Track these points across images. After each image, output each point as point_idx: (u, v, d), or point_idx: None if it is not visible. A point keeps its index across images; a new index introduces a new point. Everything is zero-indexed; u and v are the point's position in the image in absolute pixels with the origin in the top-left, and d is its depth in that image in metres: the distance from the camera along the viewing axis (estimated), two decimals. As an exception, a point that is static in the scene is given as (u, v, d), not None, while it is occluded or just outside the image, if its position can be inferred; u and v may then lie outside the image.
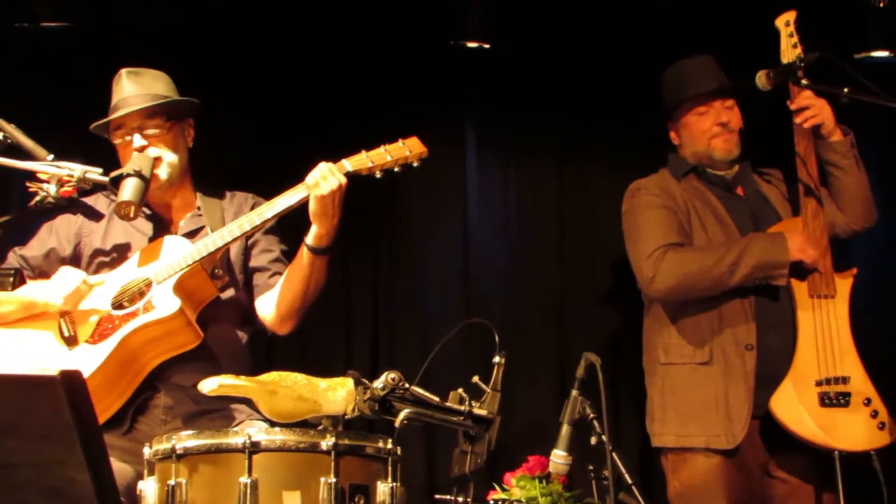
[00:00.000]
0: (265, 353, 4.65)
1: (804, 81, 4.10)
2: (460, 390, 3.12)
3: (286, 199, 3.58)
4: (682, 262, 4.16)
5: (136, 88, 3.77)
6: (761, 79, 4.08)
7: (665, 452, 4.28)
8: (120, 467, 3.34)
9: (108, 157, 3.81)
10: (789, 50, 4.24)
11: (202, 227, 3.78)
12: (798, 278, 4.11)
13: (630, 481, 3.28)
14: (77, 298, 3.59)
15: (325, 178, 3.50)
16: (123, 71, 3.82)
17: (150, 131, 3.75)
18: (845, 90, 3.93)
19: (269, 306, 3.75)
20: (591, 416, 3.36)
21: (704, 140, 4.37)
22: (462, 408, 3.08)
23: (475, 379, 3.20)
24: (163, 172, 3.73)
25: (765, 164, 4.50)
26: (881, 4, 5.42)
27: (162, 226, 3.81)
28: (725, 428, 4.07)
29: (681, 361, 4.23)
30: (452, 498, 3.19)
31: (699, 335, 4.20)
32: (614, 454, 3.26)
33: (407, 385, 2.98)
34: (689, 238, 4.27)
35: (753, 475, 4.13)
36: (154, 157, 3.70)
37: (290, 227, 3.82)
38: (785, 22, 4.30)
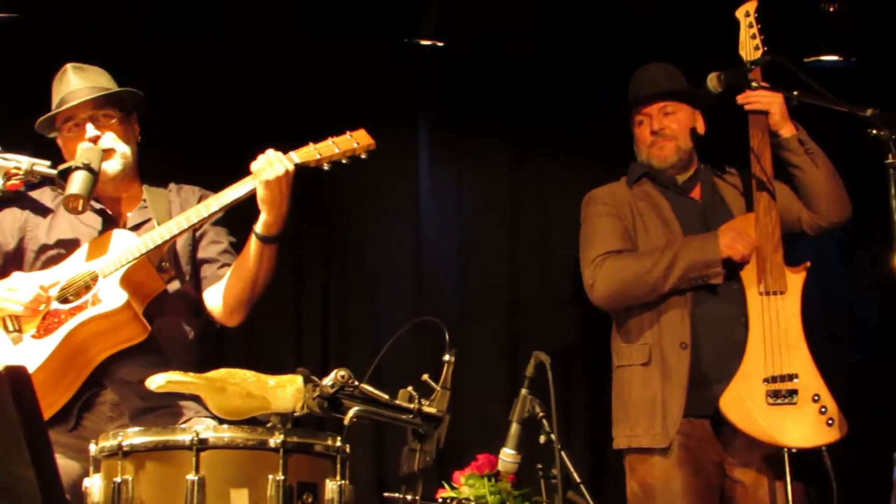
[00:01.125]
0: (214, 350, 4.64)
1: (754, 84, 4.13)
2: (410, 388, 3.12)
3: (233, 192, 3.56)
4: (618, 269, 4.22)
5: (82, 82, 3.73)
6: (712, 81, 4.09)
7: (624, 454, 4.30)
8: (65, 464, 3.30)
9: (57, 151, 3.77)
10: (747, 41, 4.27)
11: (148, 220, 3.75)
12: (748, 276, 4.12)
13: (578, 480, 3.29)
14: (37, 304, 3.53)
15: (271, 164, 3.48)
16: (69, 65, 3.78)
17: (103, 121, 3.72)
18: (795, 93, 3.96)
19: (217, 297, 3.73)
20: (541, 414, 3.37)
21: (644, 149, 4.41)
22: (411, 406, 3.08)
23: (425, 377, 3.20)
24: (116, 164, 3.69)
25: (727, 164, 4.51)
26: (831, 9, 5.47)
27: (109, 219, 3.77)
28: (661, 427, 4.10)
29: (627, 363, 4.27)
30: (401, 496, 3.19)
31: (641, 337, 4.24)
32: (563, 453, 3.27)
33: (356, 383, 2.97)
34: (634, 244, 4.30)
35: (710, 474, 4.13)
36: (105, 148, 3.66)
37: (240, 218, 3.80)
38: (745, 13, 4.33)
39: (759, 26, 4.29)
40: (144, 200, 3.81)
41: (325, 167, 3.59)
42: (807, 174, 4.23)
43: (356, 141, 3.60)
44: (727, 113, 4.31)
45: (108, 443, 2.80)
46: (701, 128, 4.44)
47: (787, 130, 4.22)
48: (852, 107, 3.72)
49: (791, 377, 4.00)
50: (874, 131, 3.62)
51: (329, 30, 5.35)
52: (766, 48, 4.25)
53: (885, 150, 3.59)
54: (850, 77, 5.45)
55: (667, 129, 4.36)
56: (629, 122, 4.49)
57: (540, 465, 3.57)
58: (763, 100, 4.19)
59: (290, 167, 3.50)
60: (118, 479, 2.75)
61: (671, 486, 4.09)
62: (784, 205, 4.26)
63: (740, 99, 4.22)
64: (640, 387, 4.19)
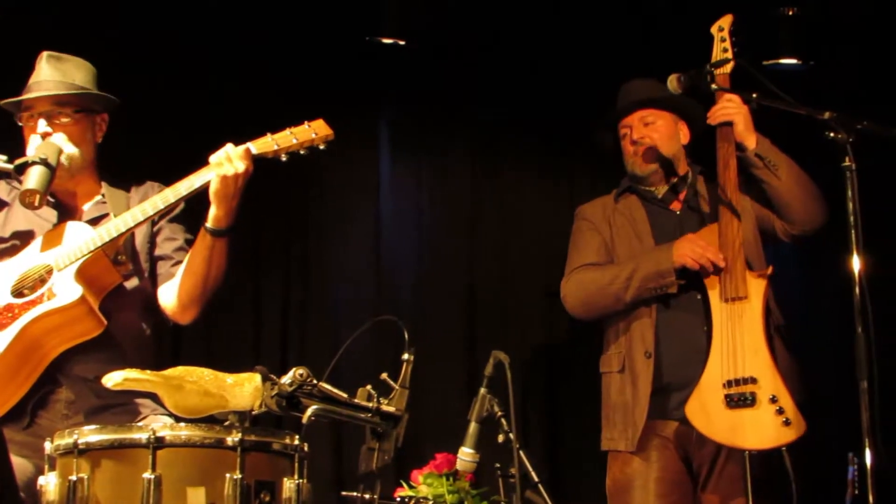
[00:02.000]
0: (171, 346, 4.61)
1: (714, 86, 4.16)
2: (369, 387, 3.11)
3: (191, 182, 3.52)
4: (583, 281, 4.41)
5: (53, 74, 3.69)
6: (672, 83, 4.11)
7: (606, 452, 4.44)
8: (19, 462, 3.27)
9: (14, 143, 3.73)
10: (720, 55, 4.33)
11: (106, 215, 3.71)
12: (711, 283, 4.19)
13: (536, 479, 3.30)
14: None
15: (229, 160, 3.46)
16: (45, 53, 3.74)
17: (57, 120, 3.68)
18: (754, 95, 3.99)
19: (170, 295, 3.70)
20: (499, 414, 3.37)
21: (629, 160, 4.50)
22: (370, 404, 3.07)
23: (384, 376, 3.19)
24: (64, 159, 3.65)
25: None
26: (790, 13, 5.51)
27: (66, 213, 3.74)
28: (632, 431, 4.24)
29: (608, 370, 4.43)
30: (359, 495, 3.18)
31: (617, 345, 4.39)
32: (521, 452, 3.27)
33: (315, 381, 2.97)
34: (613, 256, 4.45)
35: (680, 471, 4.27)
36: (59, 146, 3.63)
37: (198, 215, 3.77)
38: (719, 27, 4.42)
39: (732, 40, 4.37)
40: (103, 195, 3.78)
41: (284, 158, 3.57)
42: (771, 186, 4.31)
43: (314, 131, 3.58)
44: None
45: (64, 441, 2.78)
46: (685, 137, 4.53)
47: (749, 143, 4.29)
48: (810, 110, 3.74)
49: (749, 380, 4.05)
50: (832, 134, 3.65)
51: (291, 27, 5.33)
52: (736, 62, 4.31)
53: (843, 153, 3.62)
54: (808, 80, 5.49)
55: (646, 139, 4.45)
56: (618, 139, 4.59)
57: (498, 465, 3.57)
58: (727, 112, 4.26)
59: (249, 166, 3.48)
60: (73, 478, 2.73)
61: (643, 479, 4.24)
62: (760, 213, 4.39)
63: (708, 116, 4.33)
64: (616, 393, 4.36)
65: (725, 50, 4.34)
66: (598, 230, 4.48)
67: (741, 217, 4.25)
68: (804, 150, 4.34)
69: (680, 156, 4.50)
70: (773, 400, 4.03)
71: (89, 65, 3.79)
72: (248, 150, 3.50)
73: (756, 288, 4.18)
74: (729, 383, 4.07)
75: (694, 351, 4.17)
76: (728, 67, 4.32)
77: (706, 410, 4.06)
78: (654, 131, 4.46)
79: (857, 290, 3.51)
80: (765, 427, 4.03)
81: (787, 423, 4.02)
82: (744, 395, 4.04)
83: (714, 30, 4.41)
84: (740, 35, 4.37)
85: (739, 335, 4.11)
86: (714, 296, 4.18)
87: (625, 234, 4.43)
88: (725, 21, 4.41)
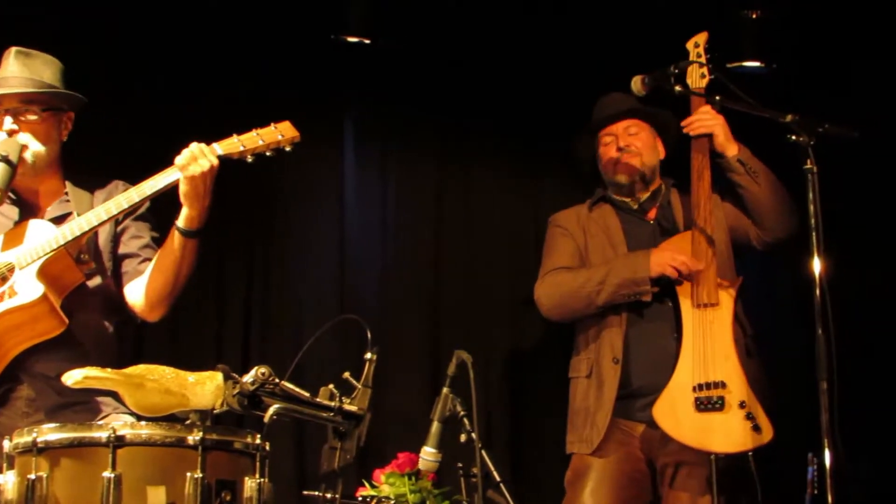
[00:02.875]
0: (133, 345, 4.58)
1: (677, 88, 4.18)
2: (331, 386, 3.11)
3: (156, 182, 3.51)
4: (557, 284, 4.45)
5: (20, 70, 3.66)
6: (636, 84, 4.14)
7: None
8: (-22, 460, 3.24)
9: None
10: (694, 70, 4.38)
11: (69, 213, 3.69)
12: (682, 289, 4.25)
13: (498, 479, 3.31)
14: None
15: (195, 159, 3.45)
16: (13, 49, 3.70)
17: (24, 117, 3.65)
18: (717, 98, 4.03)
19: (138, 293, 3.68)
20: (462, 413, 3.37)
21: (611, 167, 4.54)
22: (332, 404, 3.07)
23: (346, 375, 3.19)
24: (27, 156, 3.63)
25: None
26: (753, 16, 5.54)
27: (28, 211, 3.71)
28: (589, 435, 4.30)
29: (576, 375, 4.48)
30: (321, 494, 3.18)
31: (586, 351, 4.44)
32: (483, 452, 3.28)
33: (277, 380, 2.96)
34: (584, 262, 4.49)
35: (640, 470, 4.31)
36: (21, 143, 3.60)
37: (163, 212, 3.76)
38: (694, 44, 4.48)
39: (707, 56, 4.42)
40: (66, 194, 3.76)
41: (249, 159, 3.57)
42: (750, 192, 4.36)
43: (281, 133, 3.57)
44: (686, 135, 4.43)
45: (23, 439, 2.77)
46: (661, 152, 4.60)
47: (730, 151, 4.35)
48: (773, 112, 3.78)
49: (719, 384, 4.10)
50: (794, 137, 3.69)
51: (255, 25, 5.31)
52: (711, 77, 4.36)
53: (804, 155, 3.65)
54: (771, 83, 5.53)
55: (632, 146, 4.51)
56: (592, 148, 4.63)
57: (460, 464, 3.58)
58: (706, 123, 4.33)
59: (215, 162, 3.48)
60: (32, 476, 2.71)
61: (599, 472, 4.28)
62: (735, 221, 4.45)
63: (684, 124, 4.39)
64: (580, 397, 4.41)
65: (701, 65, 4.39)
66: (572, 236, 4.53)
67: (714, 227, 4.30)
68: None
69: (656, 169, 4.57)
70: (742, 405, 4.08)
71: (57, 62, 3.76)
72: (212, 150, 3.50)
73: (727, 297, 4.25)
74: (699, 387, 4.11)
75: (663, 358, 4.22)
76: (706, 80, 4.38)
77: (675, 413, 4.11)
78: (638, 141, 4.53)
79: (818, 291, 3.54)
80: (733, 431, 4.08)
81: (756, 428, 4.07)
82: (713, 399, 4.08)
83: (690, 46, 4.47)
84: (715, 51, 4.42)
85: (710, 341, 4.17)
86: (685, 301, 4.24)
87: (599, 242, 4.48)
88: (701, 38, 4.48)
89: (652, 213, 4.54)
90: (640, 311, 4.32)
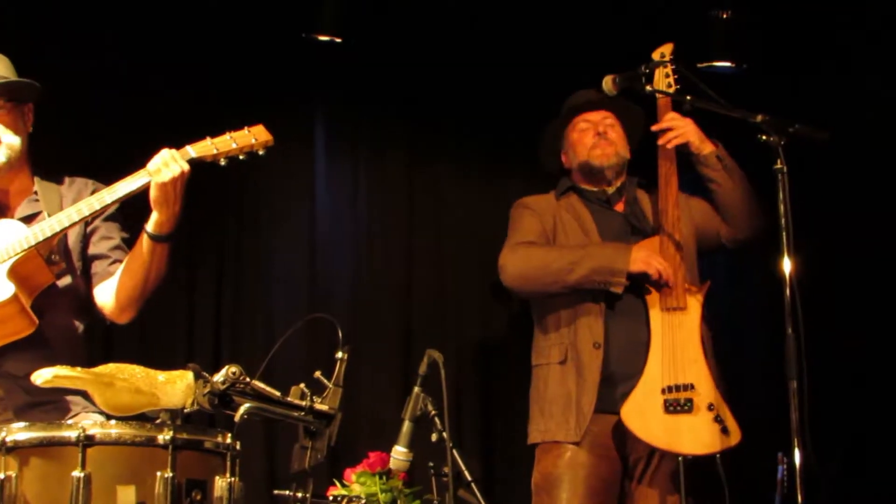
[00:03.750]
0: (103, 344, 4.56)
1: (648, 88, 4.22)
2: (302, 385, 3.10)
3: (127, 185, 3.49)
4: (528, 255, 4.41)
5: None
6: (608, 84, 4.17)
7: (535, 449, 4.41)
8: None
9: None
10: (661, 80, 4.42)
11: (39, 213, 3.67)
12: (650, 293, 4.26)
13: (469, 478, 3.31)
14: None
15: (166, 165, 3.44)
16: None
17: None
18: (688, 98, 4.04)
19: (108, 295, 3.66)
20: (433, 413, 3.37)
21: (585, 151, 4.52)
22: (303, 403, 3.06)
23: (317, 374, 3.19)
24: (1, 155, 3.61)
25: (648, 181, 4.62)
26: (724, 16, 5.57)
27: (-2, 210, 3.70)
28: (575, 422, 4.24)
29: (545, 362, 4.41)
30: (291, 493, 3.18)
31: (559, 336, 4.38)
32: (454, 451, 3.28)
33: (248, 379, 2.96)
34: (551, 243, 4.47)
35: (612, 468, 4.29)
36: None
37: (133, 213, 3.74)
38: (661, 54, 4.50)
39: (672, 67, 4.43)
40: (35, 193, 3.73)
41: (222, 162, 3.56)
42: (724, 189, 4.39)
43: (254, 137, 3.57)
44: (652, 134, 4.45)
45: (-8, 438, 2.75)
46: (629, 151, 4.60)
47: (706, 148, 4.37)
48: (744, 113, 3.81)
49: (688, 387, 4.12)
50: (764, 137, 3.71)
51: (225, 24, 5.30)
52: (678, 87, 4.39)
53: (775, 155, 3.68)
54: (741, 83, 5.55)
55: (609, 135, 4.52)
56: (559, 138, 4.64)
57: (431, 464, 3.58)
58: (680, 132, 4.35)
59: (186, 168, 3.46)
60: (1, 476, 2.69)
61: (571, 474, 4.23)
62: (704, 221, 4.47)
63: (660, 141, 4.39)
64: (555, 384, 4.33)
65: (667, 75, 4.43)
66: (541, 219, 4.51)
67: (681, 231, 4.33)
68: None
69: (625, 164, 4.57)
70: (711, 408, 4.11)
71: (4, 56, 3.73)
72: (185, 153, 3.48)
73: (695, 301, 4.27)
74: (668, 389, 4.13)
75: (639, 343, 4.23)
76: (671, 79, 4.41)
77: (644, 415, 4.11)
78: (614, 132, 4.54)
79: (788, 291, 3.56)
80: (702, 433, 4.10)
81: (724, 430, 4.10)
82: (682, 401, 4.10)
83: (656, 56, 4.49)
84: (680, 62, 4.44)
85: (679, 344, 4.18)
86: (653, 304, 4.26)
87: (571, 229, 4.47)
88: (667, 49, 4.50)
89: (620, 207, 4.54)
90: (614, 303, 4.30)
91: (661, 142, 4.38)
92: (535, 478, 4.37)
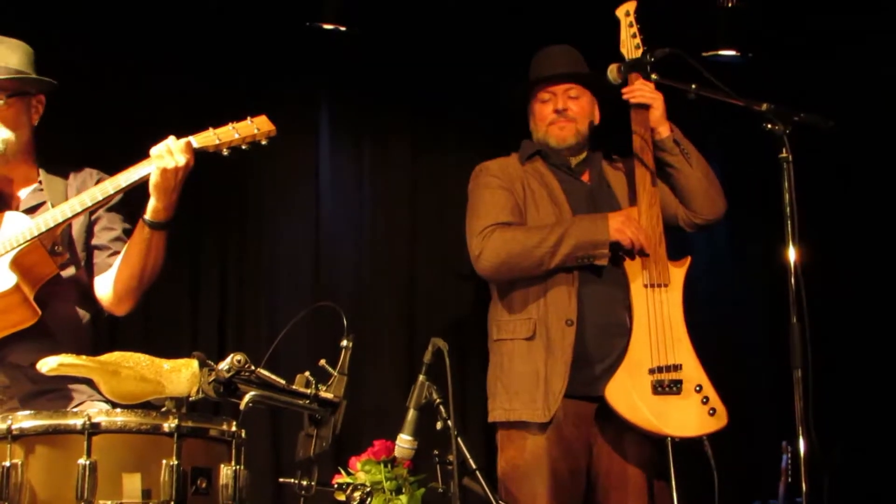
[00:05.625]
0: (108, 333, 4.57)
1: (654, 76, 4.20)
2: (307, 373, 3.10)
3: (130, 174, 3.49)
4: (506, 241, 4.22)
5: None
6: (612, 72, 4.17)
7: (497, 429, 4.32)
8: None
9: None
10: (628, 40, 4.37)
11: (43, 203, 3.67)
12: (632, 268, 4.18)
13: (474, 466, 3.30)
14: None
15: (170, 153, 3.43)
16: None
17: None
18: (693, 86, 4.02)
19: (106, 286, 3.66)
20: (438, 401, 3.37)
21: (543, 126, 4.42)
22: (308, 391, 3.06)
23: (322, 362, 3.18)
24: None
25: (615, 154, 4.56)
26: (729, 4, 5.56)
27: (2, 200, 3.69)
28: (543, 402, 4.11)
29: (510, 337, 4.27)
30: (297, 481, 3.17)
31: (526, 311, 4.24)
32: (459, 439, 3.28)
33: (253, 367, 2.96)
34: (523, 218, 4.32)
35: (579, 457, 4.18)
36: None
37: (136, 205, 3.74)
38: (625, 12, 4.42)
39: (638, 26, 4.38)
40: (40, 182, 3.73)
41: (225, 153, 3.55)
42: (682, 173, 4.32)
43: (257, 127, 3.56)
44: (623, 104, 4.36)
45: (-3, 426, 2.75)
46: (597, 118, 4.49)
47: (664, 130, 4.31)
48: (748, 101, 3.79)
49: (676, 367, 4.08)
50: (769, 126, 3.70)
51: (231, 12, 5.30)
52: (645, 47, 4.33)
53: (780, 144, 3.67)
54: (746, 71, 5.55)
55: (570, 111, 4.39)
56: (527, 100, 4.51)
57: (436, 452, 3.57)
58: (647, 94, 4.27)
59: (190, 160, 3.45)
60: (7, 464, 2.70)
61: (539, 467, 4.13)
62: (663, 202, 4.33)
63: (625, 92, 4.30)
64: (521, 360, 4.20)
65: (634, 35, 4.35)
66: (510, 190, 4.35)
67: (658, 205, 4.26)
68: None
69: (588, 136, 4.45)
70: (699, 389, 4.07)
71: (25, 45, 3.72)
72: (189, 144, 3.48)
73: (676, 276, 4.21)
74: (657, 369, 4.07)
75: (615, 324, 4.15)
76: (638, 53, 4.32)
77: (630, 396, 4.04)
78: (576, 105, 4.41)
79: (793, 280, 3.56)
80: (690, 415, 4.06)
81: (712, 412, 4.06)
82: (670, 383, 4.06)
83: (620, 13, 4.40)
84: (644, 21, 4.38)
85: (664, 322, 4.12)
86: (636, 280, 4.17)
87: (541, 199, 4.32)
88: (630, 6, 4.41)
89: (585, 177, 4.44)
90: (592, 275, 4.19)
91: (625, 96, 4.28)
92: (500, 465, 4.27)
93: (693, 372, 4.09)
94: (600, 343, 4.15)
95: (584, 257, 4.16)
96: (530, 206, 4.33)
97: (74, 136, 4.70)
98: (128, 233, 3.74)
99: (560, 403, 4.09)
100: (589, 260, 4.16)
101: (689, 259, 4.25)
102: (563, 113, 4.39)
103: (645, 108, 4.29)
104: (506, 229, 4.24)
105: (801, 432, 3.48)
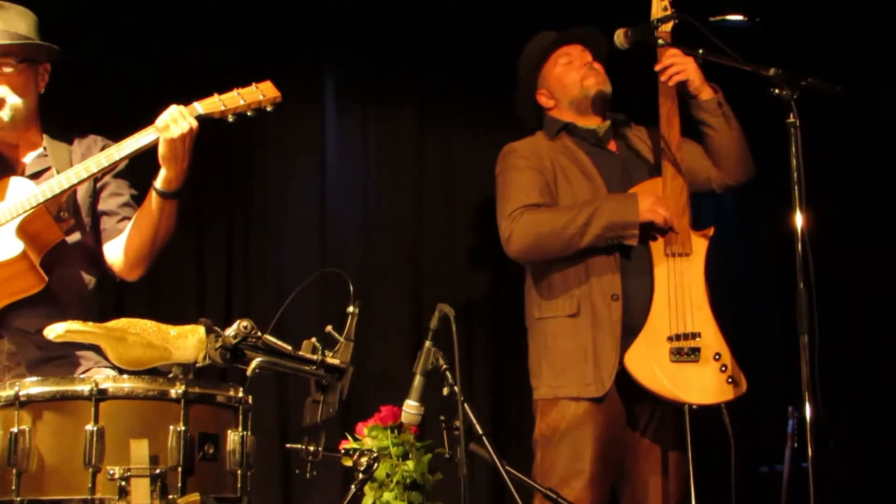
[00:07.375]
0: (115, 299, 4.58)
1: (661, 41, 4.18)
2: (313, 339, 3.11)
3: (135, 141, 3.49)
4: (535, 223, 4.22)
5: None
6: (619, 37, 4.14)
7: (536, 402, 4.33)
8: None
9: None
10: (659, 11, 4.32)
11: (48, 168, 3.67)
12: (654, 237, 4.18)
13: (480, 431, 3.31)
14: None
15: (175, 121, 3.43)
16: None
17: (0, 70, 3.62)
18: (700, 52, 4.00)
19: (117, 252, 3.67)
20: (444, 366, 3.37)
21: (577, 84, 4.42)
22: (315, 357, 3.07)
23: (328, 328, 3.19)
24: (4, 114, 3.60)
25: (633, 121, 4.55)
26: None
27: (7, 166, 3.69)
28: (595, 377, 4.12)
29: (552, 315, 4.27)
30: (303, 447, 3.18)
31: (568, 288, 4.24)
32: (465, 405, 3.28)
33: (259, 333, 2.96)
34: (555, 198, 4.31)
35: (617, 426, 4.20)
36: None
37: (142, 170, 3.74)
38: None
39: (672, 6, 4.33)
40: (44, 148, 3.73)
41: (230, 119, 3.55)
42: (721, 135, 4.30)
43: (262, 93, 3.56)
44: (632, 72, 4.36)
45: (5, 392, 2.77)
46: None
47: (706, 93, 4.27)
48: (756, 66, 3.78)
49: (695, 335, 4.08)
50: (776, 91, 3.68)
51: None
52: (673, 10, 4.29)
53: (787, 109, 3.65)
54: (754, 36, 5.51)
55: (597, 65, 4.44)
56: (534, 88, 4.54)
57: (443, 417, 3.58)
58: (680, 68, 4.23)
59: (195, 124, 3.45)
60: (15, 430, 2.72)
61: (583, 430, 4.14)
62: (695, 164, 4.34)
63: (662, 77, 4.27)
64: (567, 337, 4.21)
65: (665, 8, 4.33)
66: (539, 170, 4.34)
67: (683, 174, 4.26)
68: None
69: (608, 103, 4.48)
70: (717, 357, 4.07)
71: (31, 13, 3.72)
72: (193, 109, 3.48)
73: (699, 246, 4.20)
74: (676, 337, 4.08)
75: (651, 297, 4.15)
76: (669, 25, 4.30)
77: (649, 363, 4.06)
78: (598, 64, 4.47)
79: (800, 246, 3.55)
80: (708, 383, 4.06)
81: (730, 380, 4.06)
82: (689, 350, 4.06)
83: None
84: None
85: (683, 290, 4.12)
86: (657, 249, 4.18)
87: (573, 176, 4.32)
88: None
89: (612, 146, 4.44)
90: (627, 252, 4.19)
91: (662, 78, 4.25)
92: (540, 429, 4.27)
93: (712, 340, 4.09)
94: (642, 314, 4.15)
95: (614, 238, 4.16)
96: (562, 183, 4.33)
97: (78, 104, 4.68)
98: (135, 198, 3.75)
99: (614, 377, 4.11)
100: (619, 240, 4.16)
101: (712, 228, 4.26)
102: (591, 66, 4.43)
103: (683, 82, 4.28)
104: (535, 211, 4.24)
105: (807, 398, 3.48)
